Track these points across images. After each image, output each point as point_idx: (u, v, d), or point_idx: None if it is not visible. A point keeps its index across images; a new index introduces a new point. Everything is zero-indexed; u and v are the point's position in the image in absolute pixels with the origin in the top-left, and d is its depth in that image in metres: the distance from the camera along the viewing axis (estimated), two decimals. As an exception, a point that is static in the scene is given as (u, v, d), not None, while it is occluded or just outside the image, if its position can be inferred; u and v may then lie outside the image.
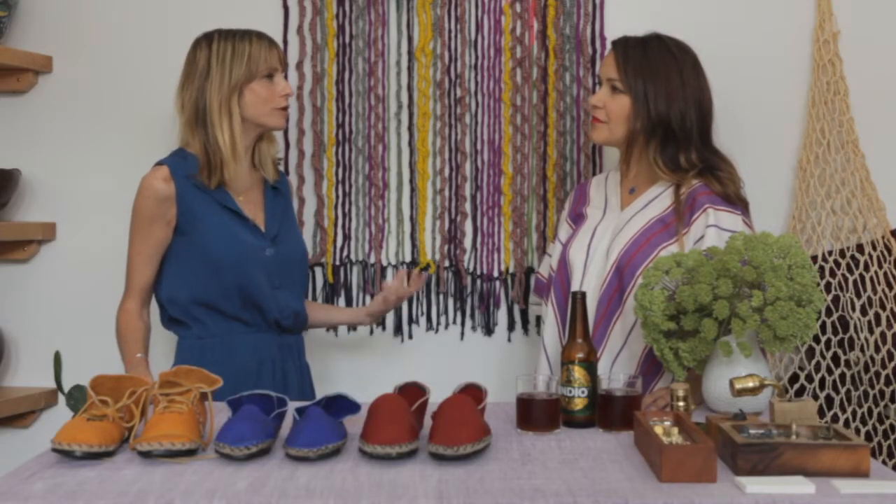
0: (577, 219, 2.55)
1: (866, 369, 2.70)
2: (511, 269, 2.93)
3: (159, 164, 2.45)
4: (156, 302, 2.51)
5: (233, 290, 2.44)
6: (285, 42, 2.90)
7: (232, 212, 2.46)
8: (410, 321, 2.97)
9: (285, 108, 2.51)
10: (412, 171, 2.94)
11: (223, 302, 2.44)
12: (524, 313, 2.94)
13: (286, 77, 2.57)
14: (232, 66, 2.43)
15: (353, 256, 2.95)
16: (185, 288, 2.45)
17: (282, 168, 2.72)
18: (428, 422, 1.89)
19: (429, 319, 2.96)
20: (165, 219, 2.42)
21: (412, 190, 2.94)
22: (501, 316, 2.95)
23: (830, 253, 2.75)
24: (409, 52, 2.92)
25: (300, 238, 2.64)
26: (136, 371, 2.40)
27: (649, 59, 2.41)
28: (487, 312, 2.95)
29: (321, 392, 2.59)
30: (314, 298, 2.94)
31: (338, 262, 2.96)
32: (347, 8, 2.92)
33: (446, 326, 2.96)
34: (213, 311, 2.45)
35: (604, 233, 2.45)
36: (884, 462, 2.68)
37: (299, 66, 2.91)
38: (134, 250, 2.45)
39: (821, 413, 2.69)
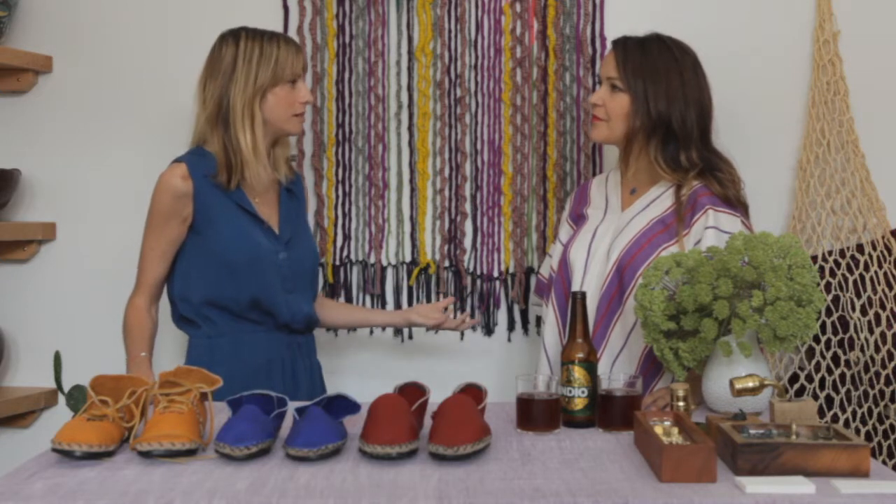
0: (578, 219, 2.55)
1: (866, 369, 2.70)
2: (511, 269, 2.93)
3: (177, 161, 2.44)
4: (167, 299, 2.51)
5: (244, 294, 2.43)
6: (285, 42, 2.90)
7: (248, 213, 2.45)
8: (410, 321, 2.97)
9: (302, 114, 2.51)
10: (412, 171, 2.94)
11: (234, 303, 2.44)
12: (524, 313, 2.94)
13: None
14: (258, 68, 2.42)
15: (353, 256, 2.95)
16: (197, 287, 2.44)
17: (295, 166, 2.72)
18: (428, 422, 1.89)
19: (429, 319, 2.96)
20: (181, 216, 2.42)
21: (412, 190, 2.94)
22: (501, 316, 2.95)
23: (830, 253, 2.75)
24: (409, 52, 2.93)
25: (312, 241, 2.63)
26: (137, 369, 2.41)
27: (649, 60, 2.41)
28: (487, 312, 2.95)
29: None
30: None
31: (338, 262, 2.96)
32: (347, 8, 2.92)
33: (446, 326, 2.96)
34: (223, 311, 2.45)
35: (604, 233, 2.45)
36: (884, 462, 2.68)
37: (299, 66, 2.91)
38: (147, 246, 2.44)
39: (821, 413, 2.69)
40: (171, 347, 2.69)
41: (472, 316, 2.94)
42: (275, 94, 2.44)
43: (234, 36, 2.46)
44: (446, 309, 2.65)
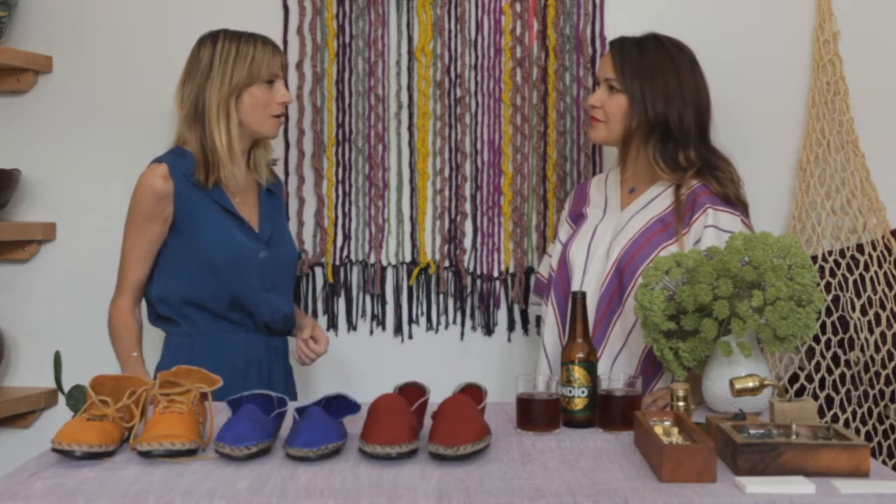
0: (578, 219, 2.55)
1: (866, 369, 2.70)
2: (511, 269, 2.93)
3: (157, 161, 2.45)
4: (144, 299, 2.51)
5: (225, 292, 2.44)
6: (285, 42, 2.90)
7: (228, 212, 2.46)
8: (410, 321, 2.97)
9: (280, 116, 2.51)
10: (412, 171, 2.94)
11: (214, 302, 2.45)
12: (524, 313, 2.94)
13: (286, 83, 2.55)
14: (234, 68, 2.43)
15: (353, 256, 2.95)
16: (177, 287, 2.45)
17: (276, 169, 2.72)
18: (428, 422, 1.89)
19: (429, 319, 2.96)
20: (162, 216, 2.43)
21: (412, 190, 2.94)
22: (501, 316, 2.95)
23: (830, 253, 2.75)
24: (409, 52, 2.92)
25: (292, 241, 2.65)
26: (132, 370, 2.41)
27: (646, 60, 2.41)
28: (487, 312, 2.95)
29: (320, 393, 2.59)
30: (314, 298, 2.94)
31: (338, 262, 2.96)
32: (347, 8, 2.92)
33: (446, 326, 2.96)
34: (203, 310, 2.46)
35: (604, 233, 2.45)
36: (884, 462, 2.68)
37: (299, 66, 2.91)
38: (129, 247, 2.45)
39: (821, 413, 2.69)
40: (148, 346, 2.68)
41: (472, 316, 2.94)
42: (251, 93, 2.45)
43: (212, 38, 2.48)
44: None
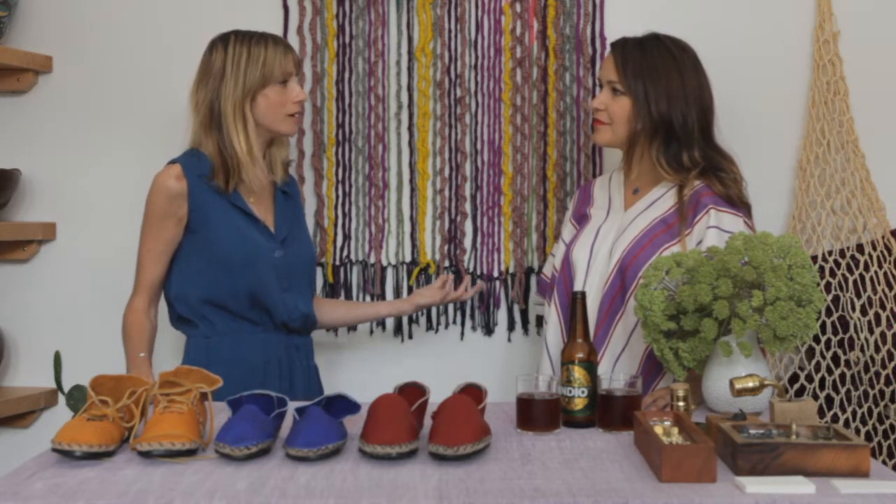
0: (581, 219, 2.56)
1: (866, 369, 2.70)
2: (511, 269, 2.93)
3: (172, 162, 2.45)
4: (164, 301, 2.51)
5: (242, 291, 2.44)
6: (285, 42, 2.91)
7: (243, 212, 2.46)
8: (410, 321, 2.97)
9: (296, 114, 2.51)
10: (412, 171, 2.94)
11: (232, 301, 2.45)
12: (524, 313, 2.94)
13: (300, 81, 2.55)
14: (247, 71, 2.42)
15: (353, 256, 2.95)
16: (194, 287, 2.45)
17: (292, 170, 2.72)
18: (428, 422, 1.89)
19: (429, 319, 2.96)
20: (177, 216, 2.43)
21: (412, 190, 2.94)
22: (501, 316, 2.95)
23: (830, 253, 2.75)
24: (409, 52, 2.93)
25: (309, 240, 2.64)
26: (137, 370, 2.41)
27: (648, 60, 2.41)
28: (487, 312, 2.95)
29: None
30: (314, 298, 2.95)
31: (338, 262, 2.96)
32: (347, 8, 2.92)
33: (446, 326, 2.96)
34: (221, 310, 2.46)
35: (607, 233, 2.45)
36: (884, 462, 2.68)
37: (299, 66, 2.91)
38: (144, 247, 2.45)
39: (821, 413, 2.69)
40: (169, 349, 2.69)
41: (472, 316, 2.94)
42: (265, 95, 2.44)
43: (223, 41, 2.47)
44: (444, 285, 2.67)
